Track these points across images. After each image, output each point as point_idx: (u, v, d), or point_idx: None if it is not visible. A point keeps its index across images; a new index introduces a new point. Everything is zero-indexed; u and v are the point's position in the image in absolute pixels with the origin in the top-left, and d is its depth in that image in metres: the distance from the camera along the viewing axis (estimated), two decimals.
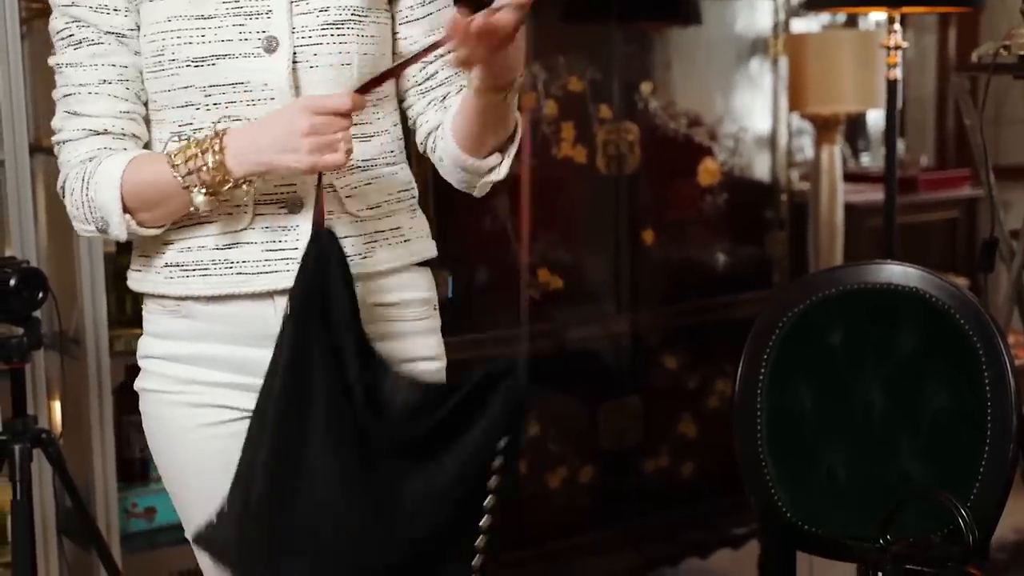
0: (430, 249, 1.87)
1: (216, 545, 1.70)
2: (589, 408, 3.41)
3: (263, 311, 1.73)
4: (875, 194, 4.80)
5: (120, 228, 1.69)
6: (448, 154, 1.79)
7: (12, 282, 2.33)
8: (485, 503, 1.63)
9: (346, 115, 1.60)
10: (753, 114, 3.65)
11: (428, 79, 1.84)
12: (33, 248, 2.70)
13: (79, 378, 2.79)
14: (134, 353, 2.83)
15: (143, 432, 2.88)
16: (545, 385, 3.34)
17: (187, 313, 1.75)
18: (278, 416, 1.62)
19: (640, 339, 3.49)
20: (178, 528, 2.91)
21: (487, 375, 1.61)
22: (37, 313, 2.41)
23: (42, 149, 2.86)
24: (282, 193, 1.71)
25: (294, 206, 1.71)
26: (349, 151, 1.61)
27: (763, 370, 2.34)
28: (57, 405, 2.88)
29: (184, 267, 1.73)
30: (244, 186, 1.65)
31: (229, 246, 1.72)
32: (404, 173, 1.84)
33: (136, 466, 2.97)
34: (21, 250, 2.66)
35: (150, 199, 1.68)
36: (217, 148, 1.62)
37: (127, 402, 2.91)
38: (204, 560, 1.80)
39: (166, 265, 1.75)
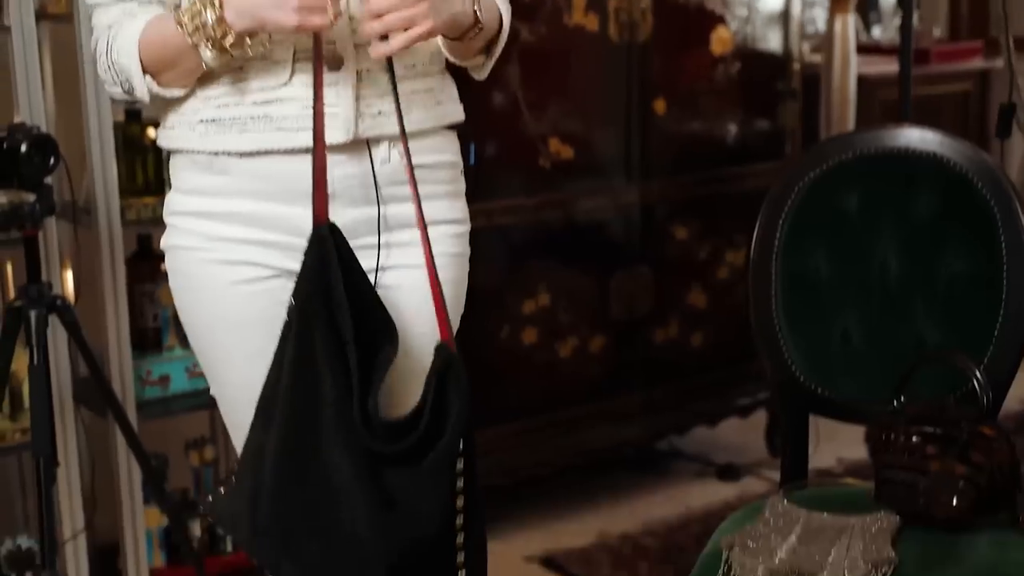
0: (459, 112, 1.89)
1: (226, 518, 1.73)
2: (600, 278, 3.41)
3: (299, 167, 1.73)
4: (887, 66, 4.75)
5: (142, 89, 1.74)
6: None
7: (23, 148, 2.31)
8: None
9: None
10: None
11: None
12: (42, 115, 2.68)
13: (91, 247, 2.79)
14: (146, 222, 2.88)
15: (156, 302, 2.97)
16: (556, 255, 3.34)
17: (221, 169, 1.75)
18: (288, 408, 1.65)
19: (651, 210, 3.48)
20: (192, 396, 2.99)
21: (438, 375, 1.67)
22: (49, 180, 2.39)
23: (48, 16, 2.82)
24: (323, 49, 1.70)
25: (334, 63, 1.72)
26: (337, 15, 1.64)
27: (779, 235, 2.33)
28: (69, 275, 2.88)
29: (220, 122, 1.74)
30: (248, 40, 1.67)
31: (268, 102, 1.73)
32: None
33: (150, 335, 2.98)
34: (30, 117, 2.64)
35: (165, 59, 1.72)
36: (217, 4, 1.65)
37: (139, 271, 2.93)
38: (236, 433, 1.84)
39: (201, 121, 1.76)
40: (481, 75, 1.89)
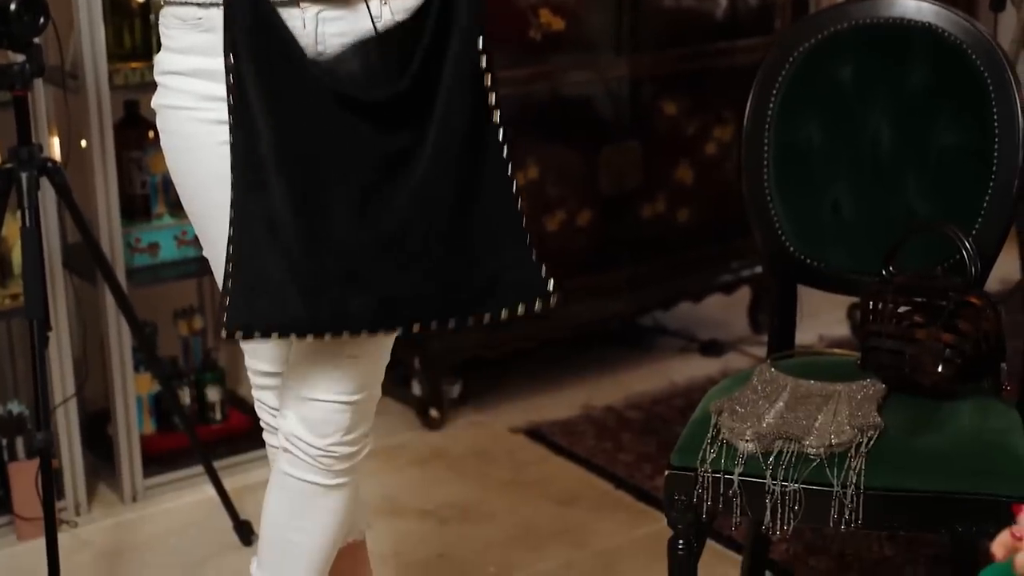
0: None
1: (258, 316, 1.69)
2: (589, 153, 3.41)
3: (290, 23, 1.70)
4: None
5: None
6: None
7: (12, 6, 2.28)
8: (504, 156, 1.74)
9: None
10: None
11: None
12: None
13: (80, 113, 2.77)
14: (134, 88, 2.85)
15: (144, 169, 2.95)
16: (545, 129, 3.33)
17: (208, 26, 1.72)
18: (285, 156, 1.64)
19: (639, 84, 3.47)
20: (181, 264, 2.99)
21: None
22: (38, 40, 2.36)
23: None
24: None
25: None
26: None
27: (772, 105, 2.33)
28: (56, 140, 2.86)
29: None
30: None
31: None
32: None
33: (138, 202, 2.97)
34: None
35: None
36: None
37: (127, 138, 2.91)
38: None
39: None
40: None
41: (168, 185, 2.99)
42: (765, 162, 2.34)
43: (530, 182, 3.27)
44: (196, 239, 2.94)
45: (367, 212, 1.68)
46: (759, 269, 3.77)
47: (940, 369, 2.03)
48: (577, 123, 3.39)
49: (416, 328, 1.75)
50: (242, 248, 1.68)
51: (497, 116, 1.75)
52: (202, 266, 2.99)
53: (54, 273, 2.75)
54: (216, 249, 1.86)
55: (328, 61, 1.68)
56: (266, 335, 1.70)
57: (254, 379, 2.02)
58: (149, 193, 2.98)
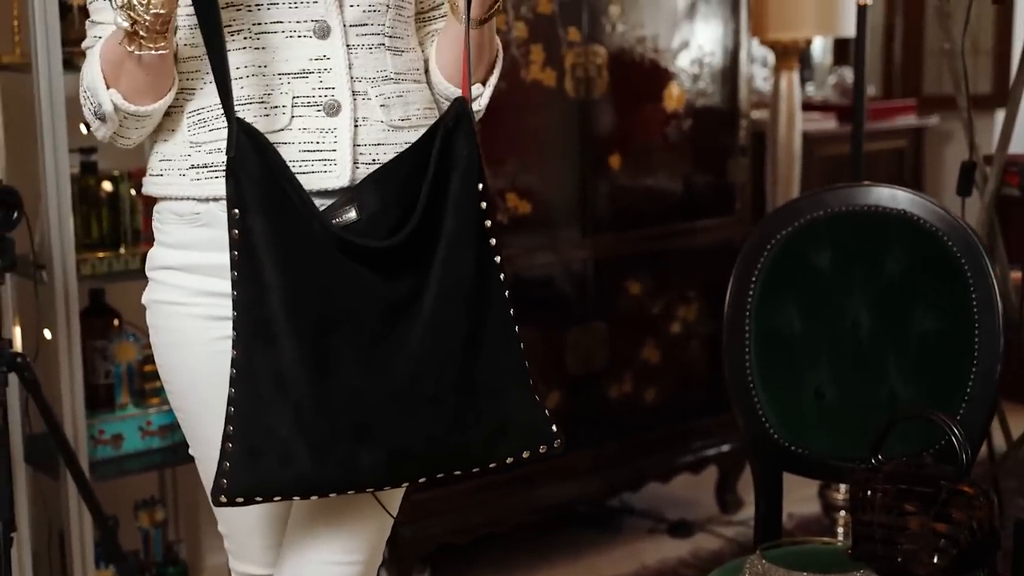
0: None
1: (264, 479, 1.62)
2: (556, 333, 3.40)
3: None
4: (824, 123, 4.83)
5: (108, 106, 1.67)
6: (434, 85, 1.85)
7: None
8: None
9: None
10: (716, 39, 3.63)
11: (432, 9, 1.88)
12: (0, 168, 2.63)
13: (46, 303, 2.72)
14: (100, 277, 2.82)
15: (108, 359, 2.90)
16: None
17: (207, 221, 1.71)
18: (287, 312, 1.60)
19: (604, 264, 3.48)
20: (145, 455, 2.92)
21: (443, 123, 1.69)
22: (10, 234, 2.33)
23: (2, 66, 2.77)
24: (320, 96, 1.70)
25: (332, 110, 1.70)
26: None
27: (752, 292, 2.34)
28: (18, 331, 2.81)
29: (212, 167, 1.70)
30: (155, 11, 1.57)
31: None
32: (428, 91, 1.84)
33: (102, 393, 2.91)
34: None
35: (114, 58, 1.65)
36: None
37: (92, 327, 2.86)
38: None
39: (192, 167, 1.71)
40: (481, 104, 1.85)
41: (133, 374, 2.95)
42: (747, 348, 2.33)
43: None
44: (161, 429, 2.92)
45: (376, 361, 1.64)
46: (726, 448, 3.75)
47: (935, 560, 2.00)
48: (543, 304, 3.39)
49: (423, 480, 1.69)
50: (246, 407, 1.61)
51: (498, 258, 1.73)
52: (166, 457, 2.95)
53: (16, 467, 2.66)
54: (204, 448, 1.81)
55: (325, 209, 1.66)
56: (268, 497, 1.62)
57: None
58: (114, 383, 2.92)
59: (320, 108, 1.70)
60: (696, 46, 3.58)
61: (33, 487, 2.82)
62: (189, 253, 1.74)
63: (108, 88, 1.66)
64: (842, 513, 3.34)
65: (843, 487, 3.27)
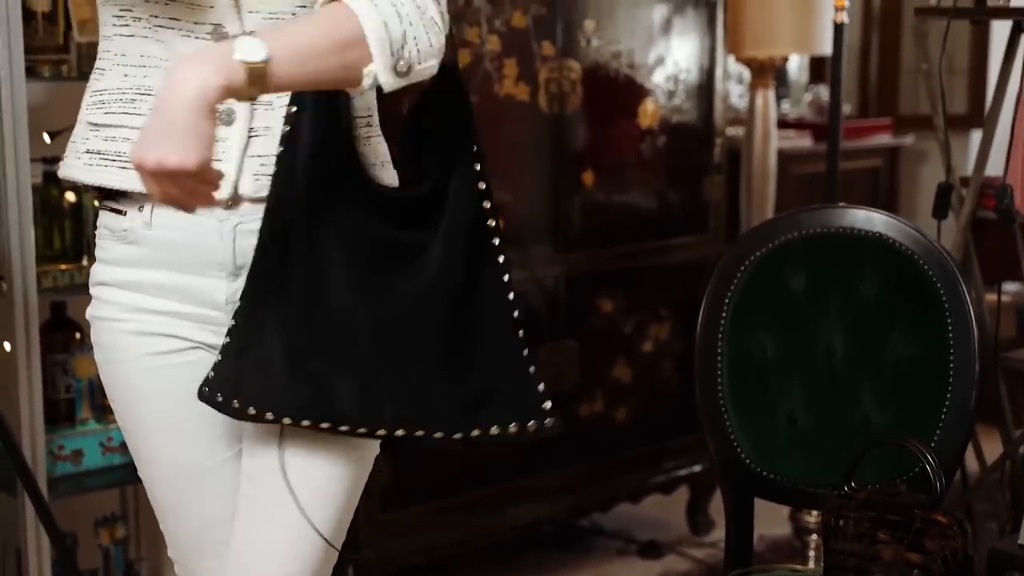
0: (391, 177, 1.79)
1: (251, 384, 1.62)
2: None
3: (208, 238, 1.67)
4: (800, 141, 4.82)
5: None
6: None
7: None
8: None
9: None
10: (692, 56, 3.60)
11: None
12: None
13: (5, 315, 2.66)
14: (62, 290, 2.76)
15: (69, 372, 2.84)
16: None
17: (133, 239, 1.69)
18: (309, 222, 1.61)
19: (576, 282, 3.44)
20: (105, 472, 2.86)
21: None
22: None
23: None
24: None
25: (227, 118, 1.65)
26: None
27: (724, 314, 2.30)
28: None
29: (104, 155, 1.67)
30: None
31: None
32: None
33: (62, 407, 2.85)
34: None
35: None
36: None
37: (53, 341, 2.80)
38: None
39: (87, 151, 1.69)
40: (386, 86, 1.58)
41: (95, 389, 2.89)
42: (719, 370, 2.29)
43: None
44: (122, 445, 2.86)
45: (372, 290, 1.63)
46: (698, 468, 3.72)
47: None
48: None
49: (401, 432, 1.65)
50: (247, 303, 1.63)
51: (493, 221, 1.72)
52: (127, 473, 2.88)
53: None
54: (148, 467, 1.79)
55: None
56: (241, 405, 1.61)
57: None
58: (74, 397, 2.86)
59: (217, 115, 1.60)
60: (672, 62, 3.55)
61: None
62: (121, 269, 1.72)
63: None
64: (814, 537, 3.30)
65: (815, 511, 3.24)
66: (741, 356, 2.30)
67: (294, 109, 1.62)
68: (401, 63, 1.54)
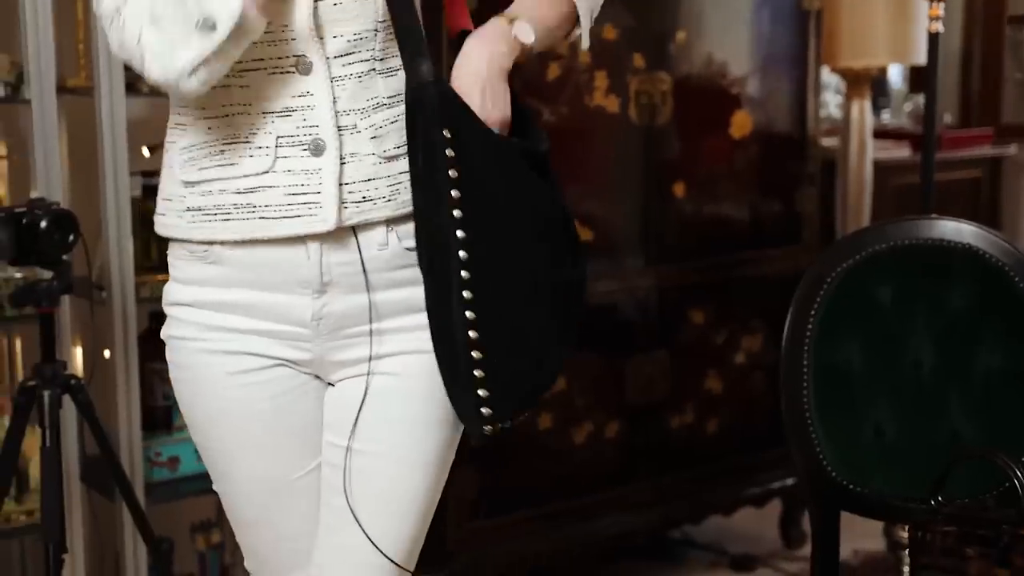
0: None
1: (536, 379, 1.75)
2: (617, 362, 3.36)
3: (294, 256, 1.68)
4: (898, 151, 4.75)
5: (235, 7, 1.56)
6: None
7: (43, 224, 2.26)
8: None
9: None
10: (785, 66, 3.58)
11: None
12: (59, 190, 2.65)
13: (105, 324, 2.74)
14: (159, 300, 2.80)
15: (167, 380, 2.89)
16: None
17: (215, 259, 1.70)
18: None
19: (667, 293, 3.44)
20: (201, 478, 2.88)
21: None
22: (67, 257, 2.34)
23: (67, 89, 2.80)
24: (304, 136, 1.65)
25: (317, 149, 1.65)
26: None
27: (811, 326, 2.28)
28: (79, 351, 2.83)
29: (206, 211, 1.68)
30: None
31: (251, 190, 1.66)
32: None
33: (160, 415, 2.92)
34: (47, 192, 2.60)
35: None
36: None
37: (151, 350, 2.87)
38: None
39: (188, 209, 1.70)
40: (583, 45, 1.83)
41: None
42: (804, 383, 2.28)
43: (558, 393, 3.22)
44: None
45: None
46: (790, 482, 3.68)
47: None
48: (604, 332, 3.35)
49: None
50: (495, 322, 1.68)
51: None
52: None
53: (71, 488, 2.68)
54: (226, 484, 1.81)
55: None
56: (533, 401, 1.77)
57: None
58: (171, 405, 2.92)
59: (305, 148, 1.65)
60: (765, 73, 3.54)
61: (89, 508, 2.84)
62: (199, 289, 1.72)
63: None
64: (906, 552, 3.26)
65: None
66: (827, 368, 2.28)
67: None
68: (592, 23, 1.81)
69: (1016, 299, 2.17)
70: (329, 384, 1.77)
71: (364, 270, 1.69)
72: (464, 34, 1.75)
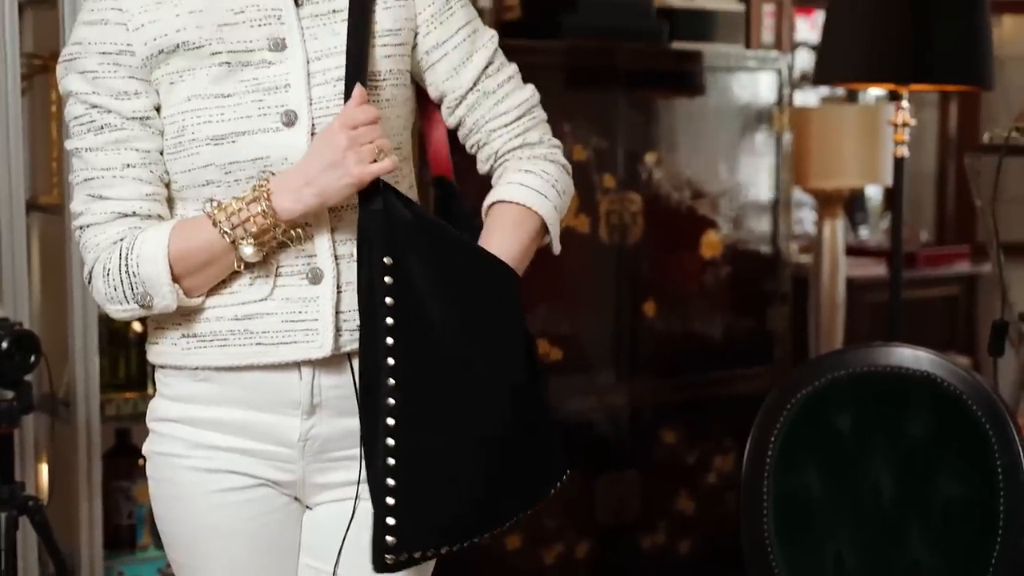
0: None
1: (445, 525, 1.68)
2: (587, 481, 3.35)
3: (286, 378, 1.70)
4: (875, 268, 4.79)
5: (170, 297, 1.66)
6: None
7: (4, 345, 2.27)
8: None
9: (375, 122, 1.63)
10: (756, 187, 3.63)
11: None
12: (26, 308, 2.65)
13: (68, 442, 2.73)
14: (125, 417, 2.83)
15: (132, 499, 2.89)
16: None
17: (205, 377, 1.71)
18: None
19: (639, 412, 3.44)
20: None
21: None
22: (29, 377, 2.35)
23: (38, 207, 2.82)
24: (303, 265, 1.68)
25: (315, 278, 1.68)
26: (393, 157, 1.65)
27: (770, 452, 2.28)
28: (44, 468, 2.82)
29: (201, 337, 1.70)
30: (294, 232, 1.65)
31: (248, 317, 1.69)
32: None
33: (124, 533, 2.90)
34: (14, 310, 2.61)
35: (198, 262, 1.66)
36: (265, 195, 1.62)
37: (117, 467, 2.86)
38: None
39: (183, 336, 1.71)
40: (554, 250, 1.86)
41: None
42: (765, 511, 2.27)
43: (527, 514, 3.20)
44: None
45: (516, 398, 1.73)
46: None
47: None
48: (575, 450, 3.33)
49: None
50: (415, 452, 1.64)
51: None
52: None
53: None
54: None
55: None
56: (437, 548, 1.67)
57: None
58: (136, 523, 2.91)
59: (304, 276, 1.68)
60: (736, 192, 3.58)
61: None
62: (188, 406, 1.73)
63: (174, 283, 1.65)
64: None
65: None
66: (787, 496, 2.27)
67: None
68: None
69: (974, 427, 2.17)
70: (307, 507, 1.77)
71: (358, 395, 1.69)
72: (441, 180, 1.79)
